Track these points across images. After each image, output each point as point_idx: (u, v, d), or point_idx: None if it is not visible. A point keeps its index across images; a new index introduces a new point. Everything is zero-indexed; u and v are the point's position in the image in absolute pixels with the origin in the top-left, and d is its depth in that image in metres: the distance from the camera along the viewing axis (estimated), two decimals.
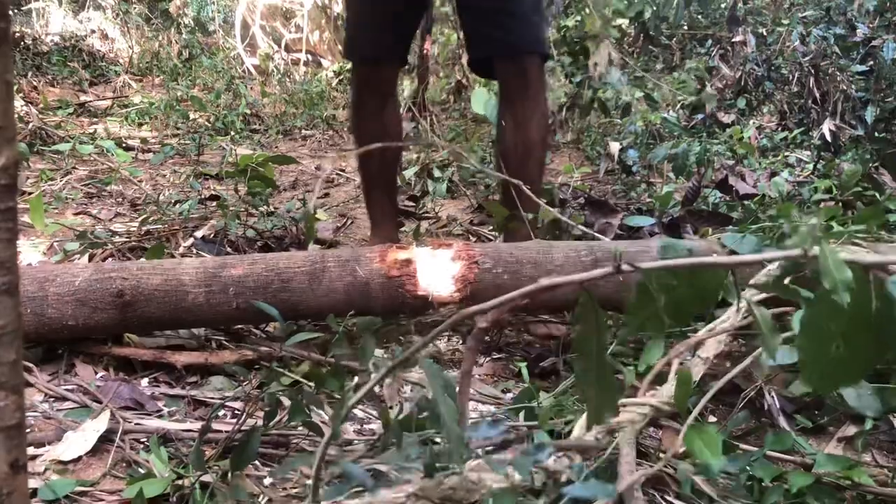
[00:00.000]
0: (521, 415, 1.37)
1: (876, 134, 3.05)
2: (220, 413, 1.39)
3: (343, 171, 3.58)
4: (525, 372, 1.57)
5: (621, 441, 1.04)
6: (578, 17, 3.76)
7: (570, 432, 1.25)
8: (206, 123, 4.40)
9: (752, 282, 1.22)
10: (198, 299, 1.52)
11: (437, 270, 1.58)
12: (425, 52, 4.23)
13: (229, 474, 1.13)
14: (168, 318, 1.54)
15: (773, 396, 1.37)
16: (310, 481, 0.97)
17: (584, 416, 1.06)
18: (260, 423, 1.23)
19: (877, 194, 2.35)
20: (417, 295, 1.57)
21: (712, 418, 1.42)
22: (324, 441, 0.85)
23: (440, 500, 0.81)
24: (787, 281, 0.79)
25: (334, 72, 6.18)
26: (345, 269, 1.57)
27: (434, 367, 0.84)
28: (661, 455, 1.14)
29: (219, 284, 1.52)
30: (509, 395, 1.56)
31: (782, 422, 1.34)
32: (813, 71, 3.41)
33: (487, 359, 1.70)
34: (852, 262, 0.64)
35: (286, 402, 1.22)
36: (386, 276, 1.56)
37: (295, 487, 1.17)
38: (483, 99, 3.25)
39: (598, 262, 1.57)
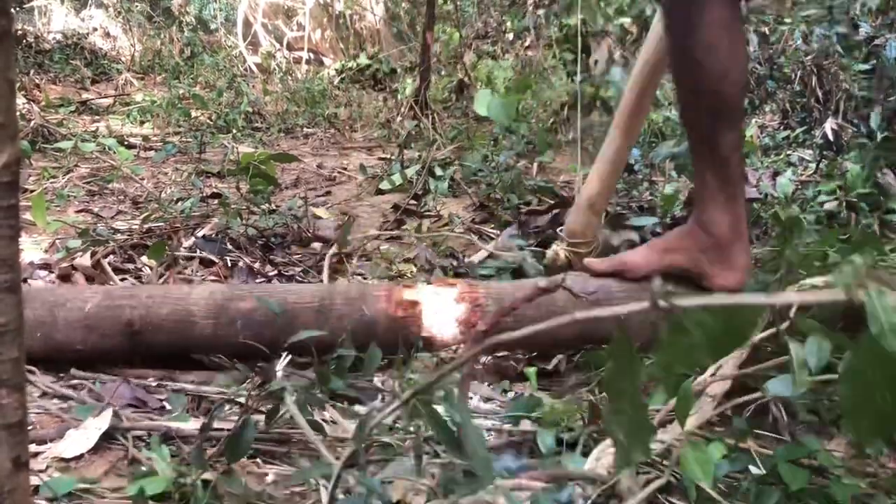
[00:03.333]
0: (524, 415, 1.37)
1: (880, 134, 3.05)
2: (225, 410, 1.39)
3: (345, 168, 3.58)
4: (533, 379, 1.56)
5: (623, 477, 1.02)
6: (581, 16, 3.75)
7: (574, 440, 1.25)
8: (208, 121, 4.40)
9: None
10: (205, 331, 1.53)
11: (441, 313, 1.58)
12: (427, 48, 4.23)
13: (231, 471, 1.14)
14: (175, 348, 1.55)
15: (779, 409, 1.35)
16: (313, 481, 0.97)
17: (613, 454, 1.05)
18: (262, 419, 1.23)
19: (881, 196, 2.35)
20: (421, 336, 1.58)
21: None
22: (343, 457, 0.85)
23: None
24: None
25: (336, 70, 6.18)
26: (352, 307, 1.57)
27: (456, 393, 0.83)
28: (665, 464, 1.13)
29: (226, 317, 1.53)
30: (510, 395, 1.56)
31: (787, 436, 1.33)
32: (815, 70, 3.40)
33: (488, 358, 1.69)
34: None
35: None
36: (392, 316, 1.57)
37: (297, 486, 1.17)
38: (486, 100, 3.24)
39: (599, 302, 1.56)
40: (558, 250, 2.01)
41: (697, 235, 1.50)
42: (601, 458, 1.02)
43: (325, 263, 2.14)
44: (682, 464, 1.01)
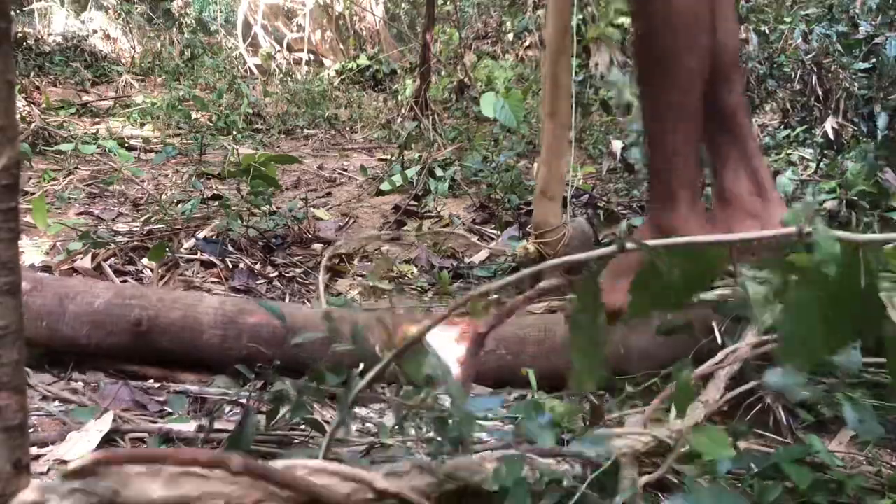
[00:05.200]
0: (524, 418, 1.37)
1: (881, 133, 3.04)
2: (226, 412, 1.39)
3: (345, 170, 3.58)
4: (533, 380, 1.55)
5: (622, 462, 1.02)
6: (580, 17, 3.75)
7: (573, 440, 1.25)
8: (209, 123, 4.40)
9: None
10: (211, 340, 1.53)
11: (442, 352, 1.57)
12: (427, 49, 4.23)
13: None
14: (179, 354, 1.55)
15: (780, 410, 1.35)
16: None
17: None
18: (263, 419, 1.23)
19: (881, 195, 2.34)
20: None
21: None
22: (331, 428, 0.85)
23: (444, 475, 0.82)
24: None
25: (336, 71, 6.19)
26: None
27: (438, 354, 0.84)
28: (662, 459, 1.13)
29: (234, 329, 1.53)
30: (513, 396, 1.56)
31: (789, 436, 1.32)
32: (815, 68, 3.40)
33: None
34: (845, 238, 0.65)
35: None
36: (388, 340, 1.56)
37: None
38: (493, 101, 3.25)
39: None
40: (527, 244, 2.03)
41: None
42: None
43: (320, 286, 2.08)
44: (696, 445, 1.00)
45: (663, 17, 1.41)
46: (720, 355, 1.28)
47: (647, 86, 1.50)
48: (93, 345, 1.51)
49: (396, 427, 1.06)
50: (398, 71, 5.93)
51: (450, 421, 0.86)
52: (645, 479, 0.97)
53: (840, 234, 0.66)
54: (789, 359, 0.73)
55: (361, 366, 1.25)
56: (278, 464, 0.73)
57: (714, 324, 1.41)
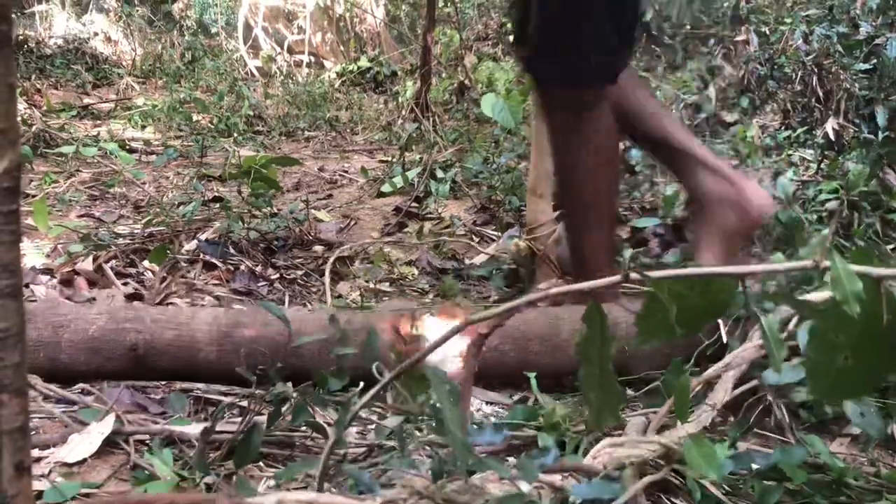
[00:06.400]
0: (523, 423, 1.37)
1: (886, 134, 3.04)
2: (227, 413, 1.39)
3: (346, 172, 3.58)
4: (534, 383, 1.54)
5: (626, 476, 1.02)
6: None
7: (576, 445, 1.25)
8: (209, 125, 4.41)
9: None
10: (209, 357, 1.53)
11: (444, 348, 1.56)
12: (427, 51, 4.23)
13: (234, 475, 1.14)
14: (179, 373, 1.55)
15: (782, 410, 1.34)
16: (314, 483, 0.97)
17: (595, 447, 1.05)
18: (265, 421, 1.23)
19: (883, 195, 2.34)
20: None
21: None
22: (327, 445, 0.85)
23: (444, 502, 0.81)
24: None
25: (337, 73, 6.19)
26: (356, 338, 1.55)
27: (439, 373, 0.84)
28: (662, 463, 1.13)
29: (231, 344, 1.53)
30: (515, 398, 1.56)
31: (792, 438, 1.32)
32: (816, 69, 3.40)
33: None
34: (864, 273, 0.63)
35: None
36: (396, 350, 1.55)
37: (298, 488, 1.17)
38: (492, 102, 3.25)
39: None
40: (519, 242, 2.04)
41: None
42: (598, 456, 1.02)
43: (327, 290, 2.08)
44: (686, 459, 1.00)
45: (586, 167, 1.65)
46: (728, 358, 1.28)
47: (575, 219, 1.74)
48: (92, 370, 1.52)
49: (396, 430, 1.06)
50: (399, 73, 5.94)
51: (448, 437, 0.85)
52: (644, 480, 0.97)
53: (858, 268, 0.64)
54: (818, 395, 0.72)
55: (361, 384, 1.26)
56: (269, 498, 0.72)
57: (720, 322, 1.41)
